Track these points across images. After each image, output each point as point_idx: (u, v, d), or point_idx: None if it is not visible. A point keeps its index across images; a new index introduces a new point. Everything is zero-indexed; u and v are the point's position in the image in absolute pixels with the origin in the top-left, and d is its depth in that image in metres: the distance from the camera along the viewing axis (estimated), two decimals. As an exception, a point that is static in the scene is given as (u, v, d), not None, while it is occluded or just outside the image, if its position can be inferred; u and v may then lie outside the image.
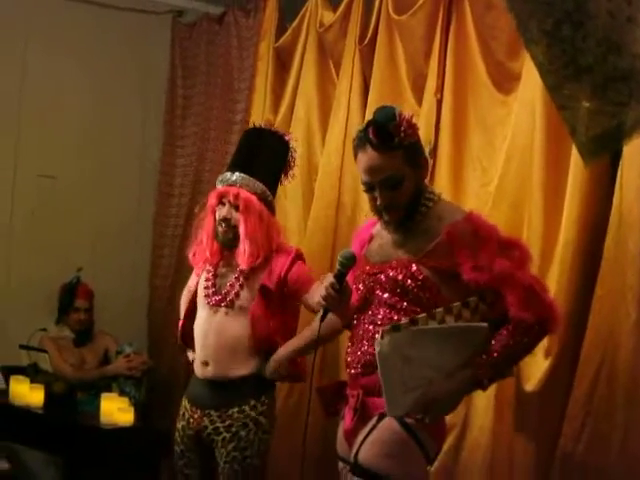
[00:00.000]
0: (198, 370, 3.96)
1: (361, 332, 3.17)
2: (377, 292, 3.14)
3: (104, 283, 5.75)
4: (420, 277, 3.02)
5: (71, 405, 5.17)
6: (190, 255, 4.10)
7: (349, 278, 3.15)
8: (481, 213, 3.86)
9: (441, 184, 4.23)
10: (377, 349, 2.92)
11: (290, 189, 5.11)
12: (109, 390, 5.35)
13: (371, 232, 3.31)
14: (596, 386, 3.59)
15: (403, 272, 3.05)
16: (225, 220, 3.91)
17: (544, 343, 3.65)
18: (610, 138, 3.06)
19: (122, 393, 5.34)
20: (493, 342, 2.94)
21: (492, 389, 3.86)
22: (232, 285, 3.93)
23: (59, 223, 5.88)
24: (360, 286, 3.21)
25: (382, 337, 2.91)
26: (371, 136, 3.01)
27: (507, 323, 2.94)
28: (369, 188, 3.10)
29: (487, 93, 4.23)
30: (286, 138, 4.23)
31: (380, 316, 3.11)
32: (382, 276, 3.11)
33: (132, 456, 4.98)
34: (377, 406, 3.05)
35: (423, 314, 2.95)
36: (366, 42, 4.83)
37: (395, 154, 3.03)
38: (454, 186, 4.24)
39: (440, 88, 4.37)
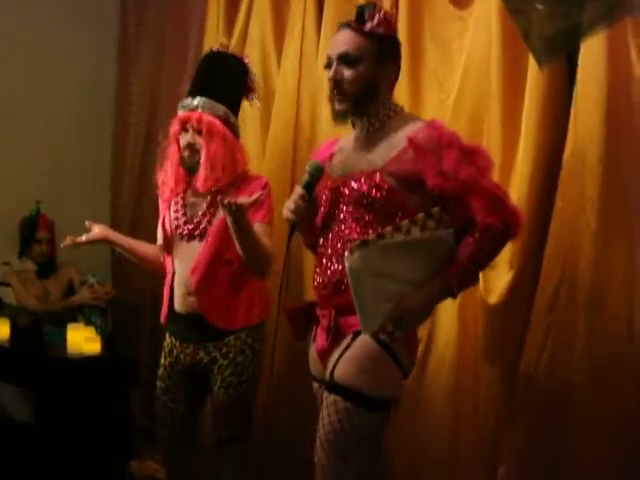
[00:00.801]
0: (182, 305, 3.91)
1: (329, 251, 3.14)
2: (342, 207, 3.12)
3: (64, 214, 5.67)
4: (385, 187, 2.99)
5: (37, 337, 5.14)
6: (159, 184, 4.03)
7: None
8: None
9: (399, 99, 4.15)
10: (347, 265, 2.90)
11: (248, 114, 5.04)
12: (75, 321, 5.33)
13: (332, 150, 3.28)
14: (558, 296, 3.65)
15: (367, 183, 3.02)
16: (190, 146, 3.86)
17: (507, 255, 3.71)
18: (564, 39, 3.06)
19: (88, 323, 5.32)
20: (460, 250, 2.93)
21: (455, 304, 3.93)
22: (204, 214, 3.89)
23: (16, 157, 5.78)
24: (322, 203, 3.18)
25: (351, 253, 2.90)
26: (350, 20, 3.08)
27: (470, 231, 2.92)
28: (328, 64, 3.09)
29: (443, 7, 4.21)
30: (244, 61, 4.19)
31: (347, 232, 3.09)
32: (346, 189, 3.09)
33: (102, 385, 4.97)
34: (350, 325, 3.06)
35: (389, 227, 2.93)
36: (319, -40, 4.76)
37: (363, 38, 3.04)
38: (412, 101, 4.21)
39: (395, 3, 4.33)
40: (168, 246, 3.98)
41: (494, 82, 3.83)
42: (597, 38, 3.42)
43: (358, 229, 3.06)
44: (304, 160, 4.55)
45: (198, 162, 3.85)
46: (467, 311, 3.99)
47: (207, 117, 3.85)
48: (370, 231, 3.01)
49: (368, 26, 3.03)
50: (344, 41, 3.07)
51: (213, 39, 5.39)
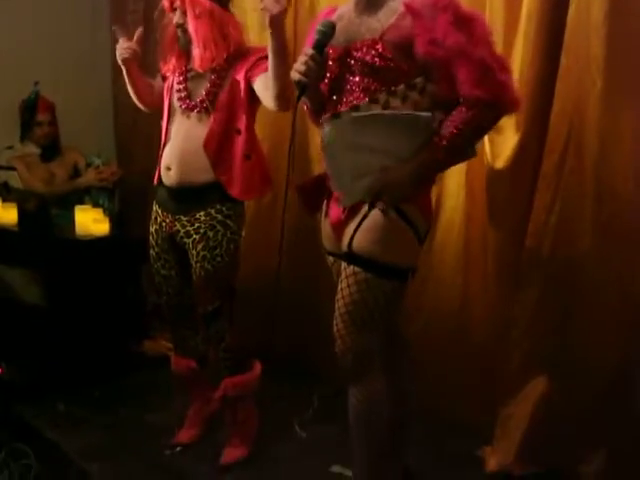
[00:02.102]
0: (164, 176, 3.94)
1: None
2: (347, 76, 3.05)
3: (66, 95, 5.62)
4: (387, 55, 2.93)
5: (45, 220, 5.14)
6: (160, 62, 3.98)
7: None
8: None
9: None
10: (321, 138, 2.90)
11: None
12: (82, 203, 5.32)
13: (331, 18, 3.18)
14: (565, 157, 3.62)
15: (370, 52, 2.96)
16: (179, 26, 3.79)
17: (512, 118, 3.67)
18: None
19: (95, 205, 5.32)
20: (447, 123, 2.88)
21: (462, 169, 3.93)
22: (207, 93, 3.82)
23: (13, 38, 5.70)
24: (327, 73, 3.12)
25: (323, 127, 2.88)
26: None
27: (458, 104, 2.88)
28: None
29: None
30: None
31: (355, 102, 3.01)
32: (350, 59, 3.03)
33: (112, 265, 5.01)
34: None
35: (365, 99, 2.90)
36: None
37: None
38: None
39: None
40: (165, 117, 3.96)
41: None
42: None
43: (366, 99, 2.99)
44: (304, 32, 4.49)
45: (190, 42, 3.80)
46: (474, 176, 3.99)
47: None
48: (380, 98, 2.96)
49: None
50: None
51: None
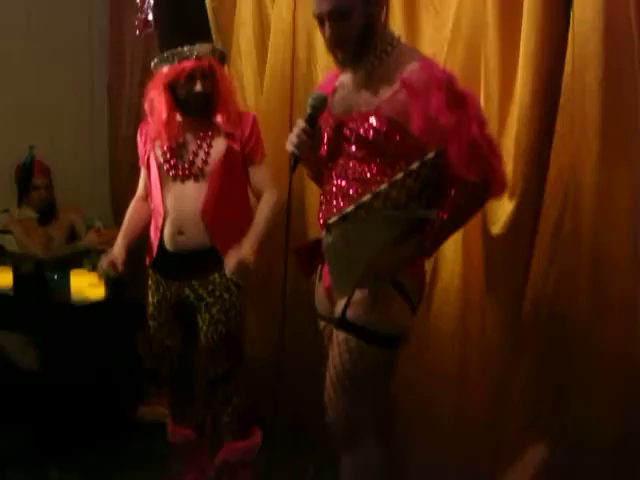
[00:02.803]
0: (171, 243, 3.94)
1: (333, 189, 3.13)
2: (344, 145, 3.09)
3: (62, 159, 5.63)
4: (381, 128, 2.97)
5: (41, 284, 5.14)
6: (152, 132, 4.02)
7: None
8: (437, 60, 3.85)
9: (395, 29, 4.12)
10: (325, 241, 2.93)
11: (244, 49, 5.02)
12: (80, 266, 5.31)
13: (334, 84, 3.24)
14: (561, 223, 3.63)
15: (364, 125, 3.00)
16: (202, 94, 3.87)
17: (508, 185, 3.66)
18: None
19: (94, 269, 5.30)
20: (438, 208, 2.94)
21: (459, 235, 3.90)
22: (195, 152, 3.92)
23: (10, 103, 5.72)
24: (325, 138, 3.17)
25: (329, 231, 2.90)
26: None
27: (447, 186, 2.92)
28: (320, 22, 3.03)
29: None
30: None
31: (351, 171, 3.07)
32: (346, 129, 3.06)
33: (108, 330, 4.99)
34: None
35: (368, 195, 2.90)
36: None
37: None
38: (409, 32, 4.14)
39: None
40: (158, 187, 4.00)
41: (490, 8, 3.75)
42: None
43: (360, 169, 3.04)
44: (302, 94, 4.55)
45: (204, 107, 3.90)
46: (471, 242, 3.98)
47: (213, 62, 3.89)
48: (374, 169, 3.01)
49: None
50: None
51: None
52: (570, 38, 3.54)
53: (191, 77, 3.85)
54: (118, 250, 4.06)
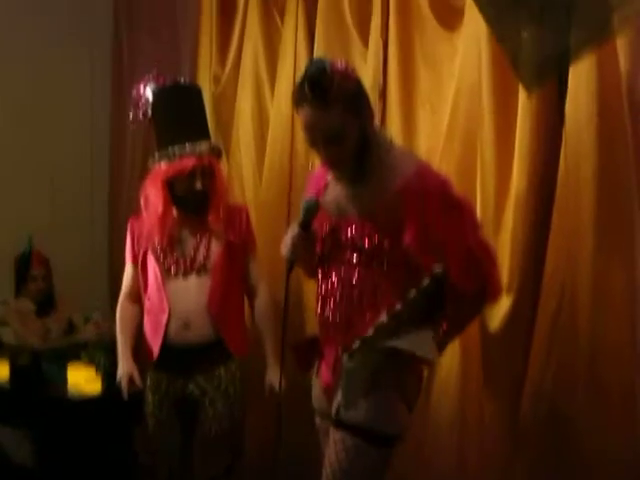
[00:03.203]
0: (177, 338, 3.95)
1: (332, 290, 3.11)
2: (340, 249, 3.08)
3: (61, 250, 5.64)
4: (375, 236, 2.97)
5: (37, 377, 5.09)
6: (145, 230, 4.08)
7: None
8: (433, 155, 3.89)
9: (393, 126, 4.23)
10: (345, 367, 2.96)
11: (243, 142, 5.07)
12: (78, 359, 5.28)
13: (326, 179, 3.20)
14: (559, 316, 3.63)
15: (358, 231, 3.00)
16: (202, 192, 3.92)
17: (505, 280, 3.68)
18: (551, 65, 3.07)
19: (91, 361, 5.27)
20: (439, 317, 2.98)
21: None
22: (196, 247, 3.97)
23: (10, 192, 5.74)
24: (321, 237, 3.15)
25: (351, 356, 2.94)
26: (306, 91, 2.89)
27: (446, 294, 2.92)
28: (313, 144, 3.01)
29: (432, 30, 4.18)
30: (198, 87, 4.33)
31: (348, 275, 3.05)
32: (340, 234, 3.06)
33: (103, 426, 4.92)
34: None
35: (384, 316, 2.93)
36: (309, -15, 4.76)
37: (333, 108, 2.88)
38: (406, 127, 4.21)
39: (385, 28, 4.31)
40: (160, 284, 4.01)
41: (485, 104, 3.80)
42: (587, 57, 3.39)
43: (357, 273, 3.03)
44: (301, 187, 4.55)
45: (200, 204, 3.96)
46: (469, 336, 3.94)
47: (213, 160, 3.97)
48: (366, 275, 3.01)
49: (332, 96, 2.87)
50: (319, 122, 2.91)
51: (206, 69, 5.38)
52: (564, 133, 3.57)
53: (192, 175, 3.89)
54: (128, 365, 4.08)
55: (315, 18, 4.68)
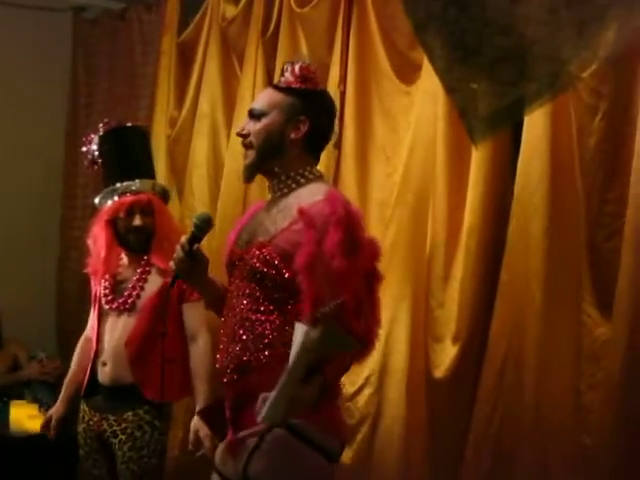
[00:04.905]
0: (99, 373, 3.97)
1: (228, 330, 2.91)
2: (237, 281, 2.91)
3: (10, 290, 5.61)
4: (274, 262, 2.78)
5: (-20, 415, 5.06)
6: (91, 268, 4.07)
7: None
8: (386, 203, 3.92)
9: (347, 174, 4.28)
10: (307, 335, 2.53)
11: (196, 186, 5.10)
12: (21, 397, 5.25)
13: (257, 211, 3.08)
14: (505, 369, 3.65)
15: (257, 256, 2.80)
16: (141, 229, 3.91)
17: (452, 330, 3.73)
18: (500, 118, 3.07)
19: (35, 400, 5.24)
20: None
21: (403, 378, 3.92)
22: (133, 287, 3.96)
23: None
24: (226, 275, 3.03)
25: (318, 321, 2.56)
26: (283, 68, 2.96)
27: None
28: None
29: (390, 83, 4.24)
30: (144, 129, 4.37)
31: (239, 309, 2.87)
32: (241, 263, 2.89)
33: (47, 462, 4.89)
34: (252, 419, 2.74)
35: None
36: (269, 35, 4.80)
37: (277, 93, 2.93)
38: (360, 176, 4.26)
39: (343, 79, 4.36)
40: (95, 321, 4.04)
41: (439, 156, 3.87)
42: (541, 112, 3.46)
43: (249, 306, 2.84)
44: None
45: (144, 243, 3.95)
46: (415, 385, 3.97)
47: (154, 197, 3.96)
48: (262, 308, 2.82)
49: (282, 80, 2.93)
50: (257, 98, 3.03)
51: (163, 112, 5.42)
52: (516, 189, 3.64)
53: (130, 212, 3.90)
54: (56, 407, 4.14)
55: (274, 65, 4.73)
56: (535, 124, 3.56)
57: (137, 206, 3.90)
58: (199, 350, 3.94)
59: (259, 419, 2.60)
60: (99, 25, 6.25)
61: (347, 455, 3.96)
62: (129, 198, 3.90)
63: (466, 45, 2.89)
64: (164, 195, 4.08)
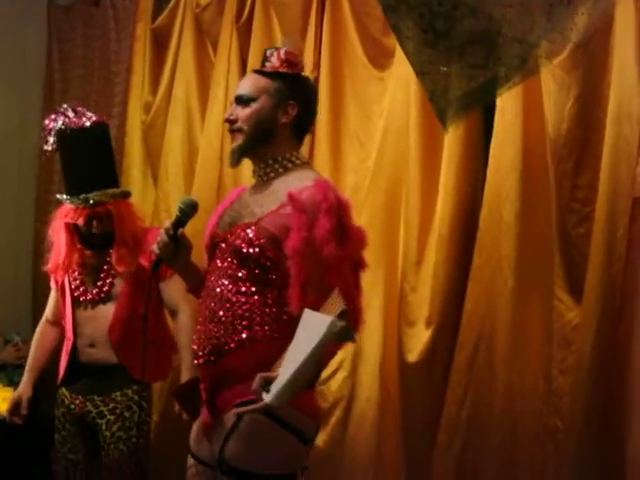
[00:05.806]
0: (83, 355, 3.99)
1: (206, 311, 2.93)
2: (217, 262, 2.94)
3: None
4: (258, 242, 2.81)
5: (-45, 398, 5.05)
6: (52, 267, 4.06)
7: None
8: (359, 187, 3.93)
9: (320, 160, 4.26)
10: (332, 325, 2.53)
11: (171, 171, 5.10)
12: (-4, 380, 5.25)
13: (234, 198, 3.14)
14: (477, 353, 3.68)
15: (243, 237, 2.83)
16: (100, 234, 3.94)
17: (424, 314, 3.76)
18: (469, 101, 3.09)
19: (10, 383, 5.23)
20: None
21: (376, 361, 3.95)
22: (105, 277, 3.99)
23: None
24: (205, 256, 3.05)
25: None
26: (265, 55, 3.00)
27: None
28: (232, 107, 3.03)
29: (363, 69, 4.25)
30: (103, 122, 4.16)
31: (219, 290, 2.89)
32: (223, 244, 2.92)
33: (23, 445, 4.89)
34: (228, 400, 2.85)
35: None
36: (243, 21, 4.79)
37: (263, 78, 2.97)
38: (333, 161, 4.26)
39: (317, 65, 4.37)
40: (69, 312, 4.04)
41: (412, 143, 3.88)
42: (512, 98, 3.50)
43: (230, 286, 2.87)
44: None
45: (102, 243, 3.96)
46: (388, 369, 4.00)
47: (112, 207, 3.92)
48: (243, 289, 2.85)
49: (267, 66, 2.97)
50: (243, 84, 3.04)
51: (137, 97, 5.41)
52: (488, 174, 3.67)
53: (89, 221, 3.91)
54: (22, 388, 4.15)
55: (248, 51, 4.72)
56: (507, 110, 3.58)
57: (95, 216, 3.90)
58: (182, 322, 3.97)
59: (267, 401, 2.54)
60: (73, 11, 6.20)
61: (321, 438, 3.98)
62: (85, 212, 3.89)
63: (436, 28, 2.90)
64: (124, 196, 4.04)
